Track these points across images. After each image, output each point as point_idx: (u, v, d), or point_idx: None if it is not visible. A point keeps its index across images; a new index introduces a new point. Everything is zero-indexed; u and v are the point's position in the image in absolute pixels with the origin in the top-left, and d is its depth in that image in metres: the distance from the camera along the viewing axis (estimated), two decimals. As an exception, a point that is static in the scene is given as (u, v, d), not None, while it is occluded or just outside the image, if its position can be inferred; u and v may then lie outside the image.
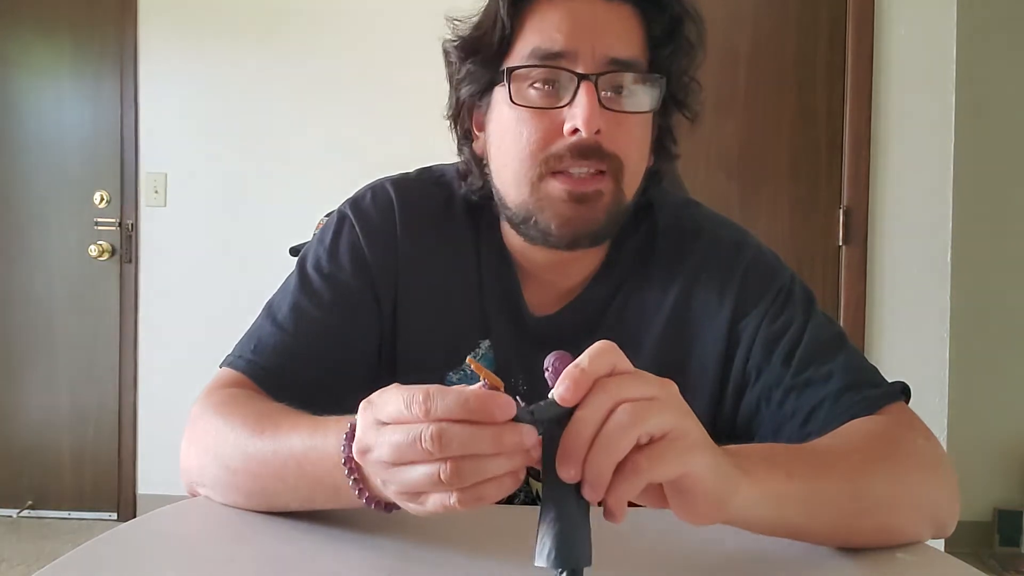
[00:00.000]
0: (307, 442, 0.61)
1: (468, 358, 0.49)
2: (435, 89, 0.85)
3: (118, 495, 3.04)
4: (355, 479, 0.56)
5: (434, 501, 0.47)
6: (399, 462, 0.47)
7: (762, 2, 2.77)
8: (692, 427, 0.49)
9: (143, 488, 3.02)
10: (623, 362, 0.48)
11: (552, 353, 0.49)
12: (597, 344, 0.48)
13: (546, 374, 0.49)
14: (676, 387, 0.50)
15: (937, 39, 2.68)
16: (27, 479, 3.06)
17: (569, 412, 0.46)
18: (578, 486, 0.46)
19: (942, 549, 0.68)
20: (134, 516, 2.59)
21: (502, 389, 0.47)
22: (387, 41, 2.85)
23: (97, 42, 3.00)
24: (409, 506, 0.50)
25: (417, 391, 0.46)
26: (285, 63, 2.92)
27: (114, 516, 3.04)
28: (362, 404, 0.51)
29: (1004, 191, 3.00)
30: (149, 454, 3.02)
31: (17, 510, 3.03)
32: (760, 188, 2.77)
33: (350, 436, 0.56)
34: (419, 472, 0.46)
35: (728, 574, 0.60)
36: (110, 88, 2.99)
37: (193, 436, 0.72)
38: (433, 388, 0.46)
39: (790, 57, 2.76)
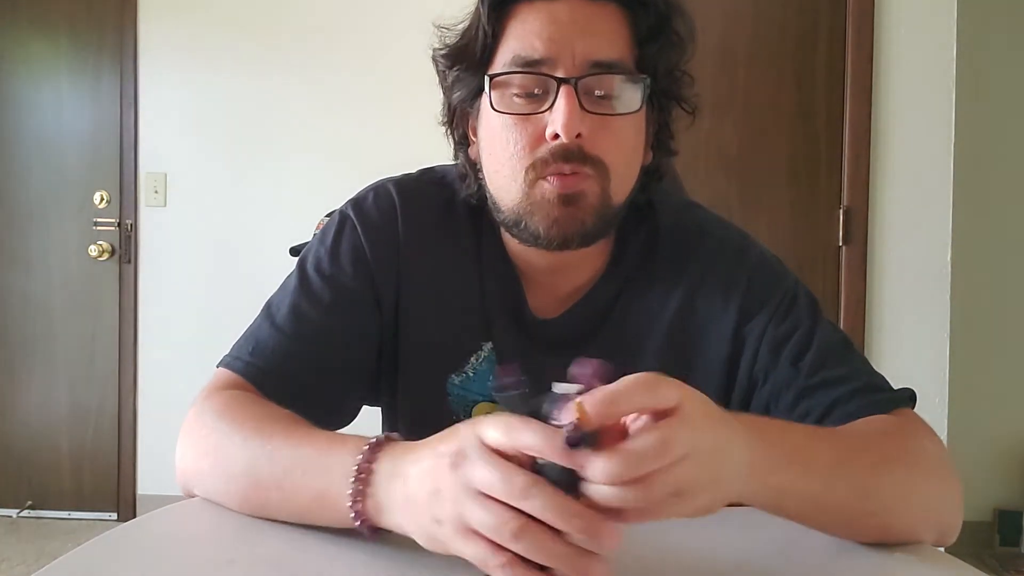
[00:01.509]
0: (320, 450, 0.61)
1: (576, 396, 0.47)
2: (437, 90, 0.85)
3: (118, 495, 3.03)
4: (357, 489, 0.56)
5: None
6: (473, 533, 0.48)
7: (762, 2, 2.76)
8: (712, 478, 0.50)
9: (143, 488, 3.02)
10: (663, 399, 0.48)
11: (577, 361, 0.49)
12: (638, 382, 0.47)
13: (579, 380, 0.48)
14: (705, 410, 0.50)
15: (937, 39, 2.68)
16: (27, 479, 3.06)
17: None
18: (573, 481, 0.47)
19: (942, 549, 0.68)
20: (134, 516, 2.59)
21: (599, 427, 0.46)
22: (388, 41, 2.85)
23: (96, 41, 2.99)
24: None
25: (522, 477, 0.46)
26: (285, 62, 2.92)
27: (114, 516, 3.04)
28: (453, 457, 0.49)
29: (1004, 191, 3.00)
30: (149, 454, 3.02)
31: (17, 510, 3.03)
32: (760, 188, 2.77)
33: (374, 447, 0.57)
34: (478, 550, 0.47)
35: (728, 574, 0.60)
36: (109, 87, 2.99)
37: (190, 438, 0.71)
38: (541, 485, 0.46)
39: (790, 57, 2.76)
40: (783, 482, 0.57)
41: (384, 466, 0.56)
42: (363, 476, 0.56)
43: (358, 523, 0.57)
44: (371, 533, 0.58)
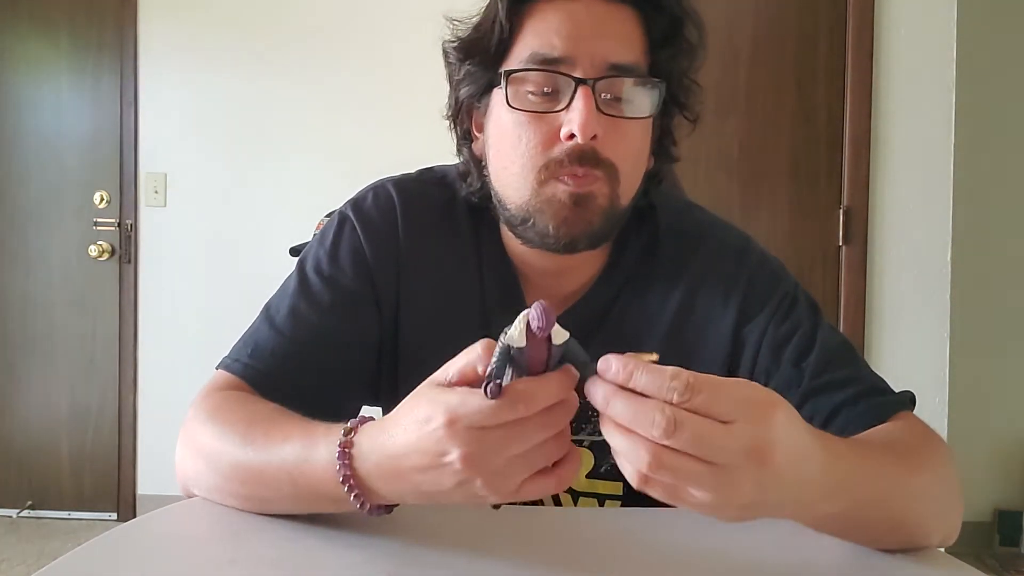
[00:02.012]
0: (299, 454, 0.61)
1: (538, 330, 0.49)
2: (437, 90, 0.85)
3: (118, 495, 3.03)
4: (356, 495, 0.57)
5: (534, 487, 0.51)
6: (528, 445, 0.50)
7: (762, 2, 2.77)
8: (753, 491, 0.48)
9: (143, 488, 3.02)
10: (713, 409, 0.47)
11: (537, 303, 0.48)
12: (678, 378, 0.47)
13: (536, 328, 0.48)
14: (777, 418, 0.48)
15: (937, 39, 2.68)
16: (27, 479, 3.06)
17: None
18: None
19: (942, 549, 0.68)
20: (134, 516, 2.59)
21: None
22: (387, 41, 2.85)
23: (96, 41, 2.99)
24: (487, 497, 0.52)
25: (517, 395, 0.49)
26: (285, 62, 2.92)
27: (114, 516, 3.04)
28: (447, 418, 0.50)
29: (1004, 191, 3.00)
30: (149, 454, 3.02)
31: (17, 510, 3.03)
32: (760, 188, 2.77)
33: (343, 454, 0.57)
34: (541, 452, 0.50)
35: (726, 569, 0.60)
36: (109, 87, 2.99)
37: (187, 440, 0.71)
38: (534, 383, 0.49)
39: (790, 57, 2.76)
40: (830, 509, 0.56)
41: (363, 450, 0.57)
42: (348, 475, 0.57)
43: (365, 510, 0.58)
44: (382, 511, 0.59)
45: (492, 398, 0.48)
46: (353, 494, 0.57)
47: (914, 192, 2.71)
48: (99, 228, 3.01)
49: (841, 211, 2.73)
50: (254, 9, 2.93)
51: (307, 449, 0.60)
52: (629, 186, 0.76)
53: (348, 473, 0.57)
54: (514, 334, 0.48)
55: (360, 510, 0.58)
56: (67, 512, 3.04)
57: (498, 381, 0.48)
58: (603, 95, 0.72)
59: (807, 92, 2.75)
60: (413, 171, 0.89)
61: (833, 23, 2.73)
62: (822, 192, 2.76)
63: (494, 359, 0.48)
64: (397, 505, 0.59)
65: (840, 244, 2.74)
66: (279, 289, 0.83)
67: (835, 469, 0.54)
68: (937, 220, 2.69)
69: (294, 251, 0.99)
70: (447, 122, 0.84)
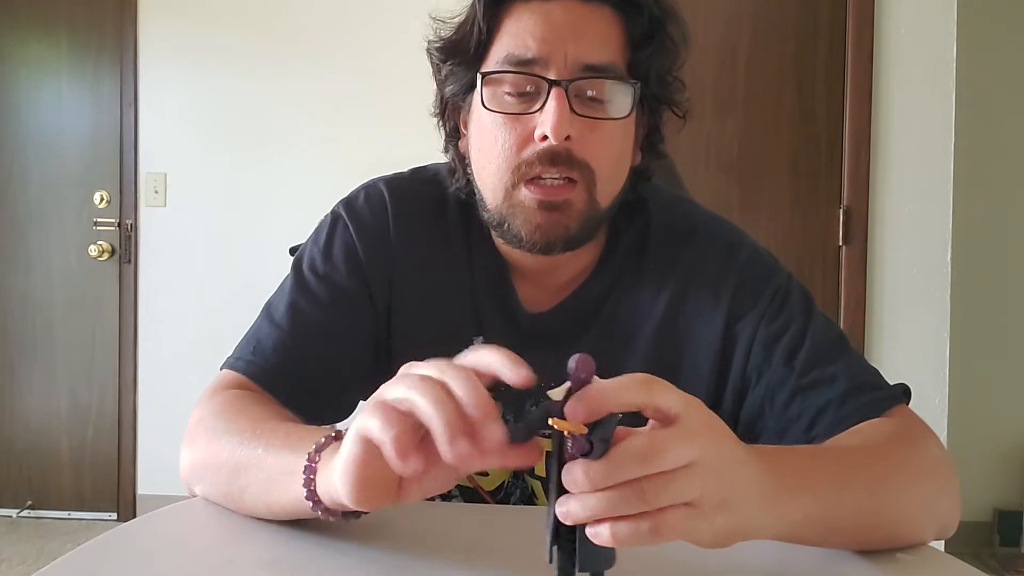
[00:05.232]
0: (286, 446, 0.61)
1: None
2: (434, 87, 0.85)
3: (118, 495, 3.04)
4: (308, 478, 0.56)
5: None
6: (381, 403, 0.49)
7: (762, 2, 2.77)
8: (725, 496, 0.48)
9: (143, 488, 3.02)
10: (661, 399, 0.46)
11: (575, 356, 0.45)
12: (634, 378, 0.46)
13: (570, 377, 0.46)
14: (710, 423, 0.48)
15: (937, 39, 2.68)
16: (27, 479, 3.06)
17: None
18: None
19: (942, 549, 0.68)
20: (134, 516, 2.59)
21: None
22: (387, 40, 2.85)
23: (96, 41, 2.99)
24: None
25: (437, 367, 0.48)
26: (285, 63, 2.92)
27: (114, 516, 3.04)
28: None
29: (1004, 191, 3.00)
30: (149, 454, 3.02)
31: (17, 510, 3.03)
32: (760, 188, 2.77)
33: (321, 446, 0.57)
34: (381, 417, 0.48)
35: (728, 573, 0.60)
36: (109, 87, 2.99)
37: (190, 438, 0.72)
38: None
39: (790, 57, 2.76)
40: (796, 512, 0.56)
41: (328, 453, 0.56)
42: (312, 465, 0.56)
43: (311, 504, 0.57)
44: (338, 516, 0.57)
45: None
46: (305, 476, 0.56)
47: (914, 192, 2.71)
48: (99, 228, 3.01)
49: (841, 211, 2.73)
50: (254, 9, 2.93)
51: (290, 443, 0.61)
52: (609, 186, 0.76)
53: (311, 476, 0.56)
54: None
55: (307, 500, 0.57)
56: (67, 512, 3.05)
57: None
58: (587, 93, 0.72)
59: (807, 92, 2.75)
60: (406, 170, 0.90)
61: (833, 23, 2.73)
62: (822, 192, 2.76)
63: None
64: (356, 516, 0.58)
65: (840, 244, 2.74)
66: (278, 288, 0.84)
67: (778, 491, 0.54)
68: (937, 220, 2.69)
69: (294, 251, 1.00)
70: (435, 119, 0.85)
